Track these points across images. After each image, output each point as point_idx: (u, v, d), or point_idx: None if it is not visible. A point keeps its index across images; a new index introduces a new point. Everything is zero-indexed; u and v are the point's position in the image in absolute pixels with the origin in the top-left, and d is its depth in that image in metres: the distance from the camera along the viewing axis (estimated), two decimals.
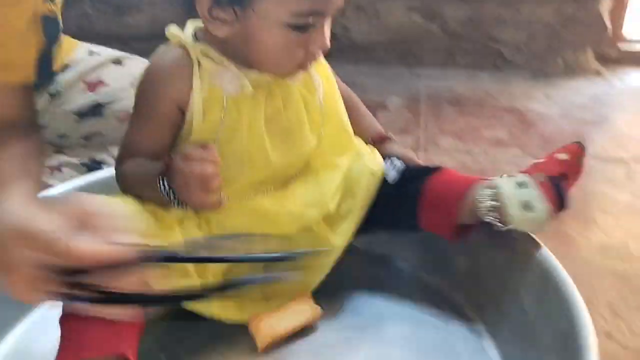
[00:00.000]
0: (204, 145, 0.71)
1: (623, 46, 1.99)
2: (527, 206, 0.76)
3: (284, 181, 0.82)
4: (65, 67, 1.09)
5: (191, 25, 0.77)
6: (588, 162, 1.30)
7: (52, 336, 0.69)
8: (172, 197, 0.73)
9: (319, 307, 0.79)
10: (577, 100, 1.76)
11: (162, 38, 0.77)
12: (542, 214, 0.76)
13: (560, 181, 0.79)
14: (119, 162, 0.79)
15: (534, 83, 1.87)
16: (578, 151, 0.84)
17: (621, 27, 1.97)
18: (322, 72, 0.83)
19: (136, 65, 1.12)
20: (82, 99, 1.08)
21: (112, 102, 1.09)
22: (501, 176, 0.80)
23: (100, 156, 1.08)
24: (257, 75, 0.75)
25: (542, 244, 0.83)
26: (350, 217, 0.84)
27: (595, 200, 1.25)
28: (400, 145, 0.93)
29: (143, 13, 1.97)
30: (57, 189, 0.94)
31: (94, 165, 1.07)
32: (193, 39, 0.76)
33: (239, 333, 0.77)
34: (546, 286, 0.79)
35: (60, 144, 1.09)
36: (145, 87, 0.77)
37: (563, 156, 0.83)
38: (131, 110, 0.80)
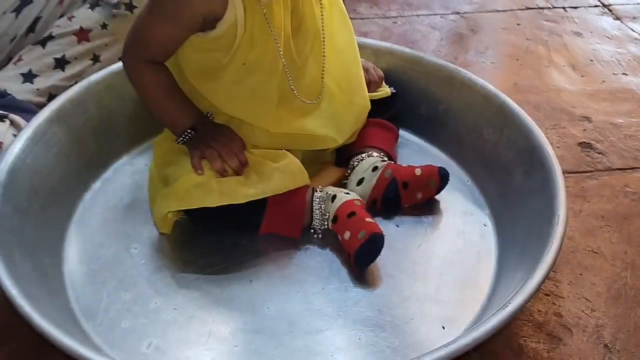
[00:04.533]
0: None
1: None
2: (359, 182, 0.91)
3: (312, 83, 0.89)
4: None
5: None
6: None
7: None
8: (182, 140, 0.86)
9: (342, 169, 0.95)
10: None
11: None
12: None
13: (397, 184, 0.90)
14: (133, 56, 0.85)
15: None
16: (434, 174, 0.91)
17: None
18: None
19: None
20: None
21: None
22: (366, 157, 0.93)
23: None
24: None
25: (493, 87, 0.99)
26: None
27: None
28: None
29: None
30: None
31: None
32: None
33: None
34: (504, 118, 0.96)
35: None
36: None
37: (418, 171, 0.91)
38: None
